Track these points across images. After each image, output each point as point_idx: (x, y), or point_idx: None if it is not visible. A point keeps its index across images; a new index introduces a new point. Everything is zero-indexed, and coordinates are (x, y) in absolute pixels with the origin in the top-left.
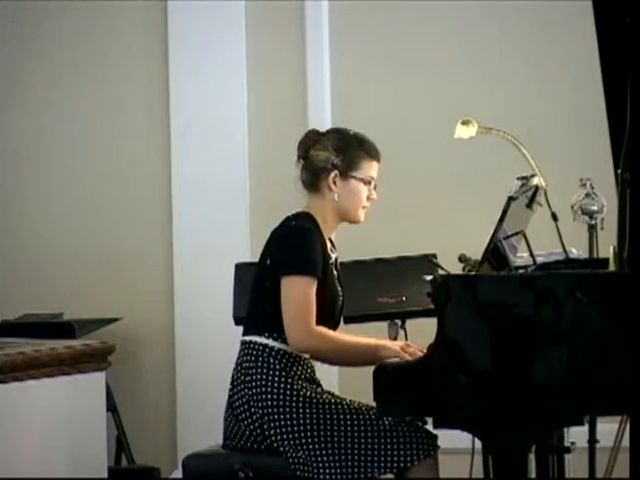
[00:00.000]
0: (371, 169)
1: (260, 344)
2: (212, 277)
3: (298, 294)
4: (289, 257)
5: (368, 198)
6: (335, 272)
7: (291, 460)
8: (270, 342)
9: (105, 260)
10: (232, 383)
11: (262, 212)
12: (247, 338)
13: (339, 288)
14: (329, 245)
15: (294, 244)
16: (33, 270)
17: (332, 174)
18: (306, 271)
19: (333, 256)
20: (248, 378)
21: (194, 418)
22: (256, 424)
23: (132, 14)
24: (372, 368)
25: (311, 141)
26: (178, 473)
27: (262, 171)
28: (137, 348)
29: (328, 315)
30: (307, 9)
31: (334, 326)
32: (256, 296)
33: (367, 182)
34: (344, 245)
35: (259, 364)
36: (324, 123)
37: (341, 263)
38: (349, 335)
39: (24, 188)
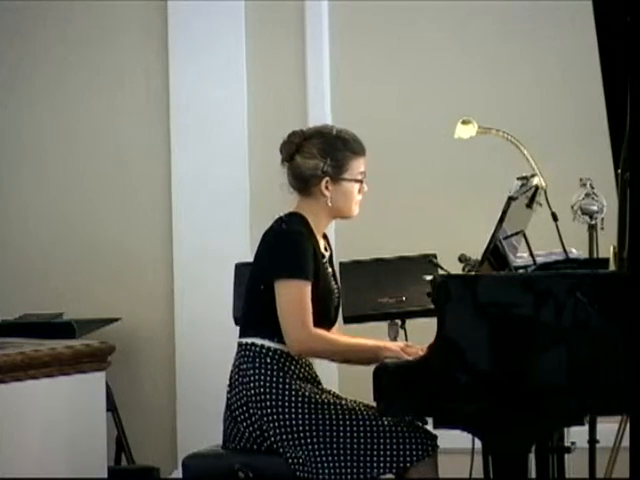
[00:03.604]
0: (359, 166)
1: (257, 345)
2: (212, 277)
3: (293, 297)
4: (281, 261)
5: (359, 191)
6: (330, 269)
7: (291, 460)
8: (267, 343)
9: (105, 260)
10: (230, 385)
11: (262, 212)
12: (244, 340)
13: (335, 286)
14: (323, 243)
15: (285, 248)
16: (33, 270)
17: (323, 181)
18: (298, 274)
19: (327, 254)
20: (246, 379)
21: (194, 418)
22: (255, 425)
23: (132, 14)
24: (372, 368)
25: (295, 146)
26: (178, 473)
27: (262, 171)
28: (137, 348)
29: (322, 315)
30: (307, 9)
31: (329, 325)
32: (251, 299)
33: (358, 180)
34: (344, 245)
35: (256, 365)
36: (324, 123)
37: (341, 263)
38: (348, 336)
39: (24, 188)
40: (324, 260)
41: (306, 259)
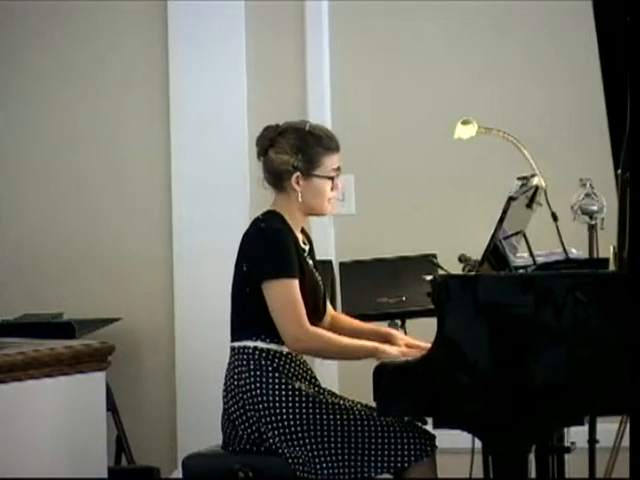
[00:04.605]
0: (332, 162)
1: (250, 347)
2: (212, 277)
3: (284, 297)
4: (266, 262)
5: (333, 189)
6: (311, 261)
7: (290, 460)
8: (259, 344)
9: (105, 260)
10: (225, 390)
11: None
12: (236, 344)
13: (318, 278)
14: (301, 237)
15: (268, 248)
16: (33, 270)
17: (294, 176)
18: (286, 273)
19: (306, 248)
20: (242, 382)
21: (194, 418)
22: (253, 427)
23: (132, 14)
24: (372, 368)
25: (268, 141)
26: (178, 473)
27: (262, 171)
28: (137, 348)
29: (312, 308)
30: (307, 9)
31: (319, 318)
32: (239, 302)
33: (329, 177)
34: (344, 245)
35: (251, 367)
36: (324, 123)
37: (341, 263)
38: (352, 321)
39: (24, 188)
40: (305, 254)
41: (290, 256)
